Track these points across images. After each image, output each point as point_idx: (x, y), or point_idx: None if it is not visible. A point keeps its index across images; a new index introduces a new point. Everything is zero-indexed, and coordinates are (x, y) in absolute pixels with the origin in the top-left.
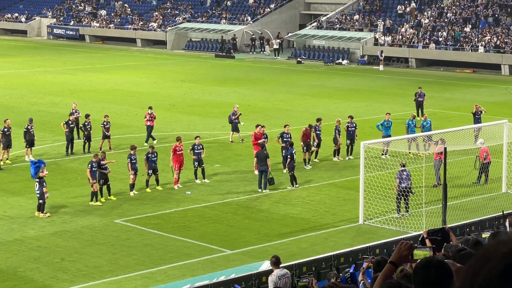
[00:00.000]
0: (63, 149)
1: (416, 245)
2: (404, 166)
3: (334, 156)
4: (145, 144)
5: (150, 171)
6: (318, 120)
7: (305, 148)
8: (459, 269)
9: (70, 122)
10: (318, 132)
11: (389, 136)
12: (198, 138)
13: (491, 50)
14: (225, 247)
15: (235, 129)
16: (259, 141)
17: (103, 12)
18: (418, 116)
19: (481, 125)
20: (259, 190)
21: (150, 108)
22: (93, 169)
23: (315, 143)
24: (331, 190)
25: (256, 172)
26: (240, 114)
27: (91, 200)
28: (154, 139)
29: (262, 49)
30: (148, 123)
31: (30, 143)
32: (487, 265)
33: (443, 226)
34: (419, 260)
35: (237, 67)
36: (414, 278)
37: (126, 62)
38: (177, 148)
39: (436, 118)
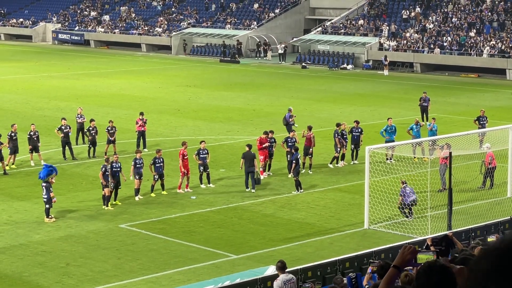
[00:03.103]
0: (68, 154)
1: (419, 249)
2: (405, 183)
3: (340, 161)
4: (145, 150)
5: (157, 176)
6: (338, 125)
7: (303, 153)
8: (458, 271)
9: (63, 127)
10: (339, 137)
11: (393, 141)
12: (203, 142)
13: (496, 55)
14: (230, 251)
15: (290, 130)
16: (264, 145)
17: (107, 17)
18: (423, 121)
19: (486, 130)
20: (247, 190)
21: (142, 113)
22: (106, 173)
23: (338, 148)
24: (336, 194)
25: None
26: (295, 116)
27: (104, 205)
28: (144, 147)
29: (264, 55)
30: (142, 129)
31: (34, 149)
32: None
33: (446, 234)
34: (421, 264)
35: (242, 72)
36: (417, 282)
37: (131, 67)
38: (184, 153)
39: (441, 122)
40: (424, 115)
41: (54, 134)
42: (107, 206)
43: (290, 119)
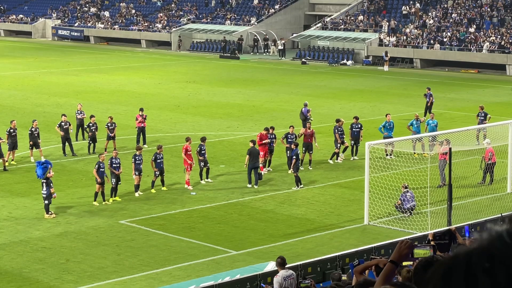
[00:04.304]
0: (68, 150)
1: (416, 243)
2: (407, 187)
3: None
4: (145, 146)
5: (158, 172)
6: (338, 120)
7: (304, 149)
8: None
9: (63, 123)
10: (339, 133)
11: (391, 137)
12: (204, 139)
13: (496, 51)
14: (230, 247)
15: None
16: (264, 141)
17: (106, 13)
18: (424, 116)
19: (483, 126)
20: (249, 186)
21: (141, 109)
22: (100, 169)
23: (338, 144)
24: (336, 190)
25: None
26: (311, 110)
27: (94, 200)
28: (144, 143)
29: (267, 50)
30: (142, 125)
31: (34, 145)
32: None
33: (449, 228)
34: (419, 260)
35: (242, 68)
36: (415, 278)
37: (130, 63)
38: (188, 148)
39: (441, 118)
40: (427, 111)
41: (54, 130)
42: (100, 201)
43: (308, 114)
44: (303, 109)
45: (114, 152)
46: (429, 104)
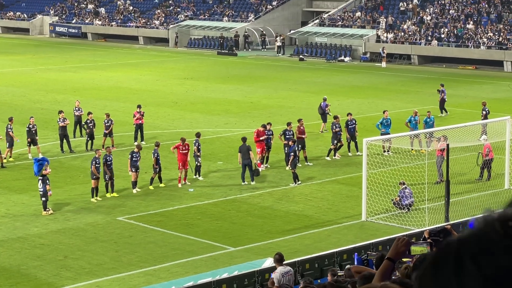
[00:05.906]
0: (65, 147)
1: (413, 240)
2: (404, 184)
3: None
4: (143, 143)
5: (158, 169)
6: (336, 117)
7: (299, 146)
8: None
9: (60, 120)
10: (338, 129)
11: (388, 134)
12: (199, 135)
13: (494, 47)
14: (228, 244)
15: (325, 120)
16: (261, 138)
17: (103, 10)
18: (441, 113)
19: (484, 122)
20: (243, 183)
21: (139, 106)
22: (97, 165)
23: (335, 141)
24: (334, 187)
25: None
26: (329, 104)
27: (92, 197)
28: (142, 140)
29: (264, 46)
30: (139, 122)
31: (32, 142)
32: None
33: (445, 226)
34: (418, 257)
35: (240, 64)
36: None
37: (128, 60)
38: (181, 147)
39: (439, 115)
40: (441, 107)
41: (51, 127)
42: (95, 197)
43: (326, 108)
44: (321, 103)
45: (108, 149)
46: (440, 100)
